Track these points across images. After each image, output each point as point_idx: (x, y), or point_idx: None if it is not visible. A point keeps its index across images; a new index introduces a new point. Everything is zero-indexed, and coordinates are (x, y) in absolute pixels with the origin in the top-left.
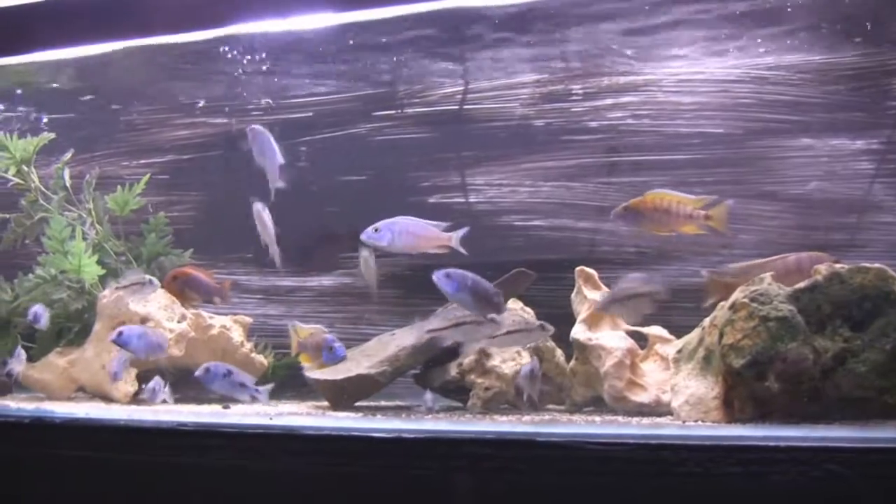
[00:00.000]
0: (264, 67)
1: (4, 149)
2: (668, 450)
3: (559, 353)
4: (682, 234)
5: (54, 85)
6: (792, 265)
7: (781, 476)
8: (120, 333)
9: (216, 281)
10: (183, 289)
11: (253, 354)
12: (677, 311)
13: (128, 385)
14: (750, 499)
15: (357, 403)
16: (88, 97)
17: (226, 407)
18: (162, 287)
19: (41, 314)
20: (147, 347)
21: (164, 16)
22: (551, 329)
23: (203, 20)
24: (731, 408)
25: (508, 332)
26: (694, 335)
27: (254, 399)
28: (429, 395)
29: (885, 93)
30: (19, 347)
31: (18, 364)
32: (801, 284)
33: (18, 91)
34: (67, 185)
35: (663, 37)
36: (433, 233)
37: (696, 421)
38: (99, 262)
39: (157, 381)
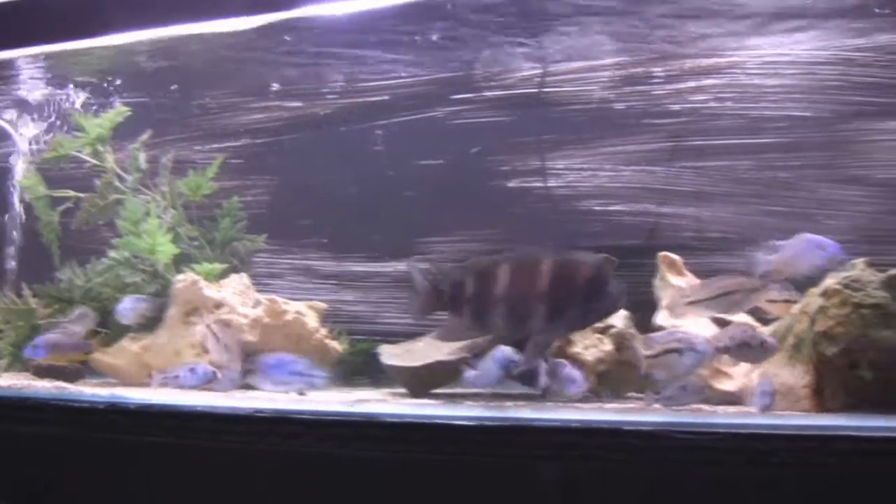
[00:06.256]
0: (339, 49)
1: (80, 128)
2: (759, 439)
3: (640, 339)
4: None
5: (126, 69)
6: None
7: (876, 467)
8: (176, 377)
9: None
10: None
11: (327, 340)
12: None
13: None
14: (843, 489)
15: (435, 391)
16: (161, 81)
17: (301, 393)
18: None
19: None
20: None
21: None
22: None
23: (280, 1)
24: (822, 397)
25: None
26: (782, 323)
27: None
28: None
29: None
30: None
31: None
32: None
33: (90, 76)
34: (143, 166)
35: (747, 18)
36: None
37: (785, 410)
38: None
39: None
